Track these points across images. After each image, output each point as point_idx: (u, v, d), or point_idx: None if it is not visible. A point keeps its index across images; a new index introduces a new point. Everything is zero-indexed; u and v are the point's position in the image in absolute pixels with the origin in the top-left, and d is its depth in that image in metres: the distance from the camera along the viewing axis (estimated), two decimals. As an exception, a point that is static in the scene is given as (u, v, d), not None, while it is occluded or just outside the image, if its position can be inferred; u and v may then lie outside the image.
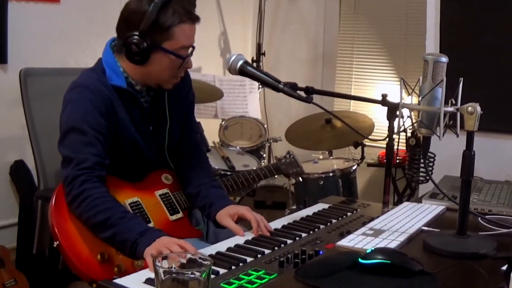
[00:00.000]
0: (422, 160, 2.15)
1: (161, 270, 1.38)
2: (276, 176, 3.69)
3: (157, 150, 2.56)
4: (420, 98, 1.99)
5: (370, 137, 3.87)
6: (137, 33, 2.29)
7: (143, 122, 2.47)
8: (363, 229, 2.17)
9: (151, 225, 2.38)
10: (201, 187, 2.56)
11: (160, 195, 2.53)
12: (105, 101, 2.33)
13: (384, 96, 2.66)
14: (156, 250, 2.00)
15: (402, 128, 2.19)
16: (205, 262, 1.44)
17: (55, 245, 2.20)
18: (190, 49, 2.39)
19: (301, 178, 3.92)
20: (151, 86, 2.47)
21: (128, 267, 2.20)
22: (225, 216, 2.39)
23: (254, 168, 3.90)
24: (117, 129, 2.38)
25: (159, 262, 1.41)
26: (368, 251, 1.75)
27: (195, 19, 2.36)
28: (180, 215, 2.53)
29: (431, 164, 2.37)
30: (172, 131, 2.58)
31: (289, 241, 2.08)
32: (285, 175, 3.68)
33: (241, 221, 2.37)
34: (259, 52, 5.61)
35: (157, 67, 2.36)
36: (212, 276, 1.64)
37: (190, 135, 2.69)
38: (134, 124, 2.43)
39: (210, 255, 1.88)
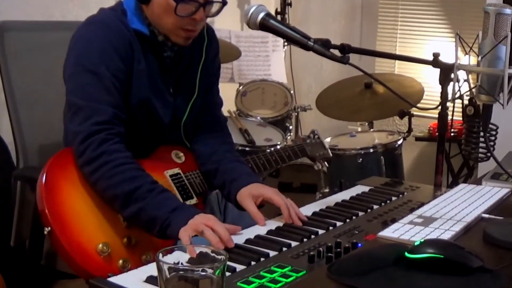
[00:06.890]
0: (482, 134, 2.14)
1: (165, 267, 1.37)
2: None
3: (173, 118, 2.56)
4: (479, 58, 1.97)
5: (418, 105, 3.84)
6: None
7: (162, 79, 2.48)
8: (410, 217, 2.16)
9: None
10: (220, 162, 2.56)
11: (170, 176, 2.52)
12: (125, 43, 2.35)
13: (436, 55, 2.63)
14: (192, 229, 2.01)
15: (457, 95, 2.17)
16: (219, 257, 1.44)
17: (45, 232, 2.18)
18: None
19: (334, 155, 3.90)
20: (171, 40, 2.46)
21: (136, 262, 2.19)
22: (247, 196, 2.37)
23: (278, 142, 3.91)
24: (131, 80, 2.39)
25: (162, 257, 1.40)
26: (416, 244, 1.74)
27: None
28: (194, 201, 2.52)
29: (492, 138, 2.36)
30: (195, 103, 2.61)
31: (320, 232, 2.08)
32: (311, 158, 3.66)
33: (264, 206, 2.37)
34: (285, 3, 5.59)
35: (156, 9, 2.36)
36: (228, 273, 1.65)
37: (212, 107, 2.71)
38: (150, 79, 2.43)
39: (225, 249, 1.89)
